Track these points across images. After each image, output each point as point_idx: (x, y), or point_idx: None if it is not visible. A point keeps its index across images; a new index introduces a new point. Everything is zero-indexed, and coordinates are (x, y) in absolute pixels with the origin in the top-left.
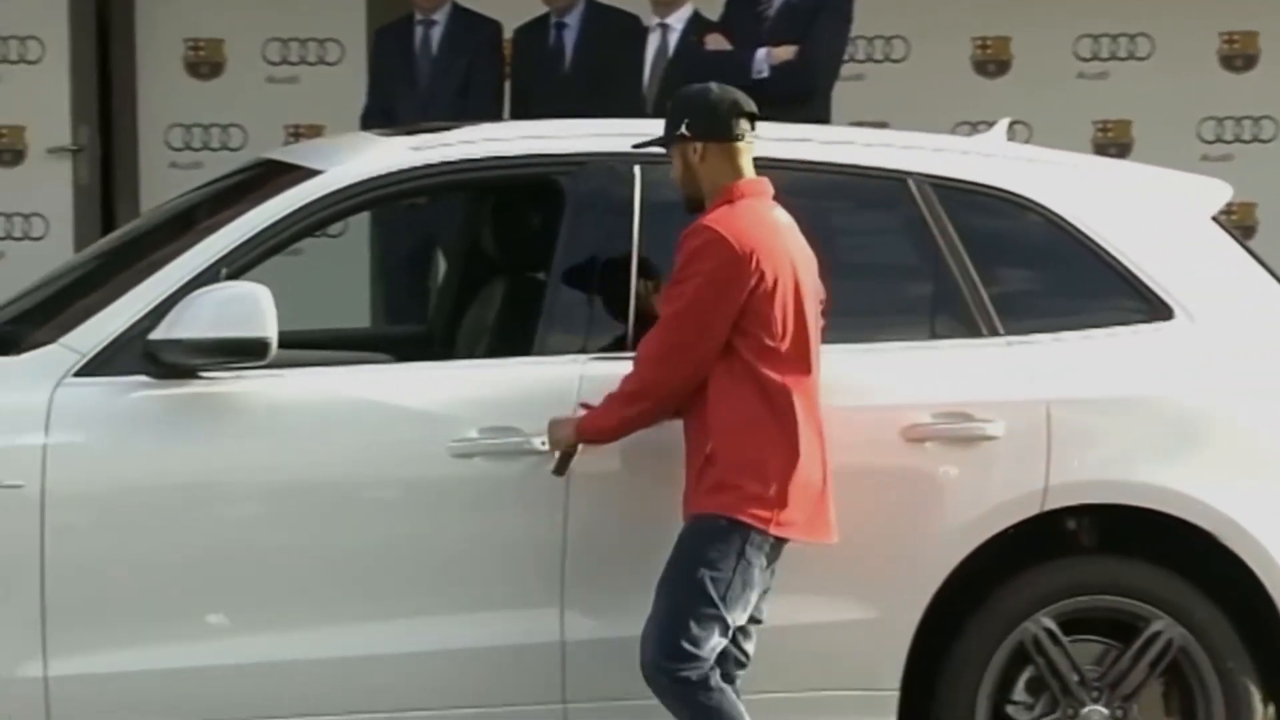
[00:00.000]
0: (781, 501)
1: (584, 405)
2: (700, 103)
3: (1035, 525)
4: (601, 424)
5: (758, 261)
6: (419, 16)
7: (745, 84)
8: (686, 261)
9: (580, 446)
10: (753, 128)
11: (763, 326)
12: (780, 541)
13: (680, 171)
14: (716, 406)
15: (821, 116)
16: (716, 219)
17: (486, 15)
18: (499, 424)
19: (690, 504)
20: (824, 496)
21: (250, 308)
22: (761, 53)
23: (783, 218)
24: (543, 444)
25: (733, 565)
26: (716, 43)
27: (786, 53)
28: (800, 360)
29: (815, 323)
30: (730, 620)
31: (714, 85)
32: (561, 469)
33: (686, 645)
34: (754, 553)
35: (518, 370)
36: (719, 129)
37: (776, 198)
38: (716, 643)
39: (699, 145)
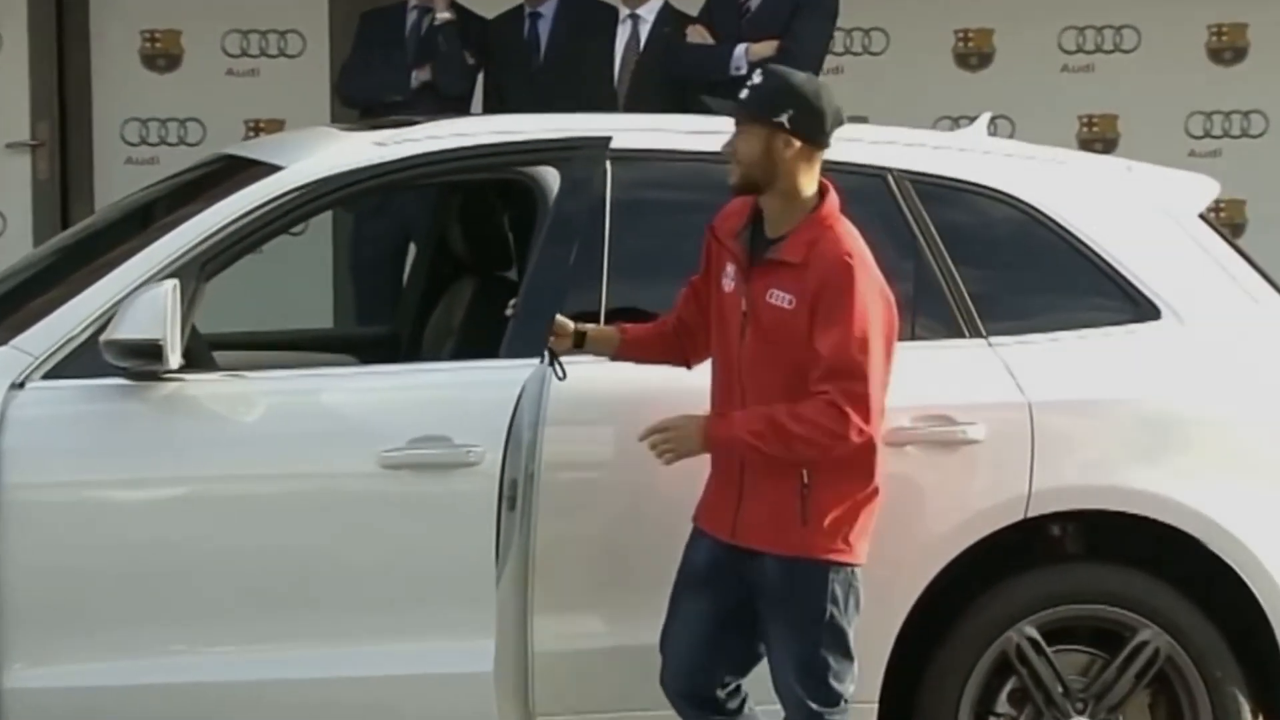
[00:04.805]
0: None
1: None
2: (810, 102)
3: (1019, 532)
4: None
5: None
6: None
7: (723, 79)
8: (850, 294)
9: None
10: None
11: None
12: None
13: (758, 154)
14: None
15: None
16: (856, 249)
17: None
18: (433, 433)
19: (782, 541)
20: None
21: (150, 308)
22: (741, 48)
23: None
24: None
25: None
26: (699, 35)
27: (766, 49)
28: None
29: None
30: None
31: (822, 85)
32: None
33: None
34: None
35: (477, 375)
36: (821, 135)
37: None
38: None
39: (795, 141)
